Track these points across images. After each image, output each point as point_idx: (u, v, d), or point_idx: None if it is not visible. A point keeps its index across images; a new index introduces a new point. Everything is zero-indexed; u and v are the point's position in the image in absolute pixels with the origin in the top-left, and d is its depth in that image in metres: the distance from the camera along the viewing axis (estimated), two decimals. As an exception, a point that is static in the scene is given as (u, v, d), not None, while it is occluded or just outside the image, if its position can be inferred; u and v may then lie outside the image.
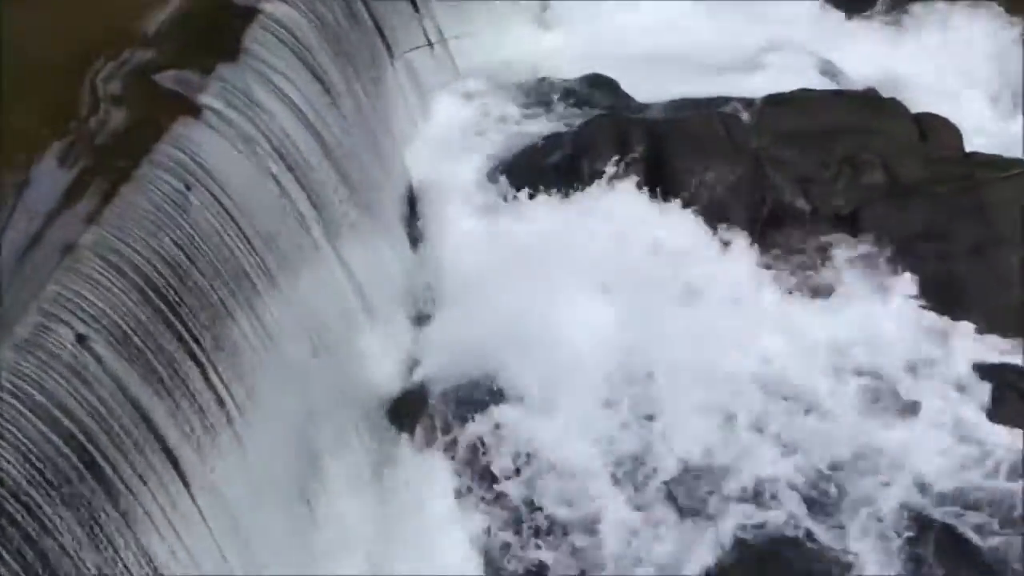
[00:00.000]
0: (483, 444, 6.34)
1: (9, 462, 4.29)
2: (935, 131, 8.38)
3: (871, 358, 6.84)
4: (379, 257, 7.11)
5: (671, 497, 6.24)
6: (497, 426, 6.37)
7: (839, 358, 6.86)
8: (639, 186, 7.67)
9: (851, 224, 7.67)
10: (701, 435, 6.42)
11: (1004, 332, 6.95)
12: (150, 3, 6.60)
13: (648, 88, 8.93)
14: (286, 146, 6.33)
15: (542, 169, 7.92)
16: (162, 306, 5.13)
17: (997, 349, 6.89)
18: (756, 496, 6.19)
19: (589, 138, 7.94)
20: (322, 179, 6.64)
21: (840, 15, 10.58)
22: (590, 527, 6.10)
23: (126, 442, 4.69)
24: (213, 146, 5.80)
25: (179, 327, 5.19)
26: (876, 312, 7.10)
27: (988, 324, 6.98)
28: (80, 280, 4.82)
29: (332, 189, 6.72)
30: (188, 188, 5.51)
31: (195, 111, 5.88)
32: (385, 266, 7.17)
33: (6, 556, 4.16)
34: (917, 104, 8.67)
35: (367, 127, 7.48)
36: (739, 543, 6.00)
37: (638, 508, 6.18)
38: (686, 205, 7.60)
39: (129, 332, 4.89)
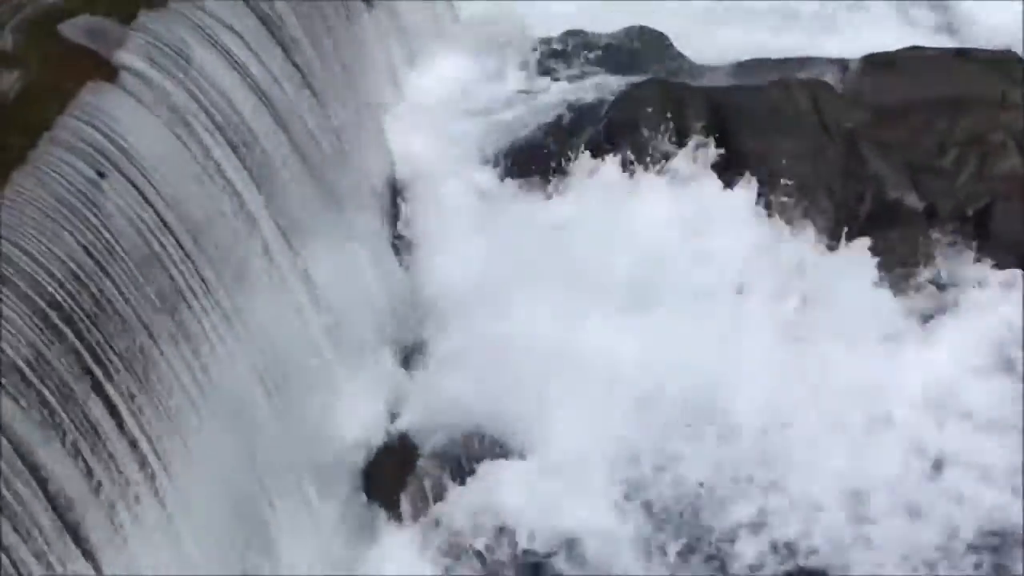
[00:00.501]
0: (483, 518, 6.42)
1: None
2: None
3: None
4: (352, 267, 7.12)
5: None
6: (501, 494, 6.44)
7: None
8: (697, 174, 7.76)
9: (979, 227, 7.71)
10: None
11: None
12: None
13: (707, 44, 8.98)
14: (229, 119, 6.34)
15: (566, 151, 7.97)
16: (66, 331, 5.14)
17: None
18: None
19: (631, 111, 7.99)
20: (277, 163, 6.65)
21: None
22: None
23: (16, 510, 4.70)
24: (134, 119, 5.81)
25: (88, 359, 5.20)
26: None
27: None
28: (-42, 296, 4.85)
29: (290, 176, 6.73)
30: (101, 175, 5.52)
31: (110, 73, 5.90)
32: (359, 279, 7.18)
33: None
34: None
35: (336, 92, 7.50)
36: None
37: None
38: (757, 201, 7.67)
39: (23, 366, 4.91)
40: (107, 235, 5.46)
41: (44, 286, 5.10)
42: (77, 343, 5.16)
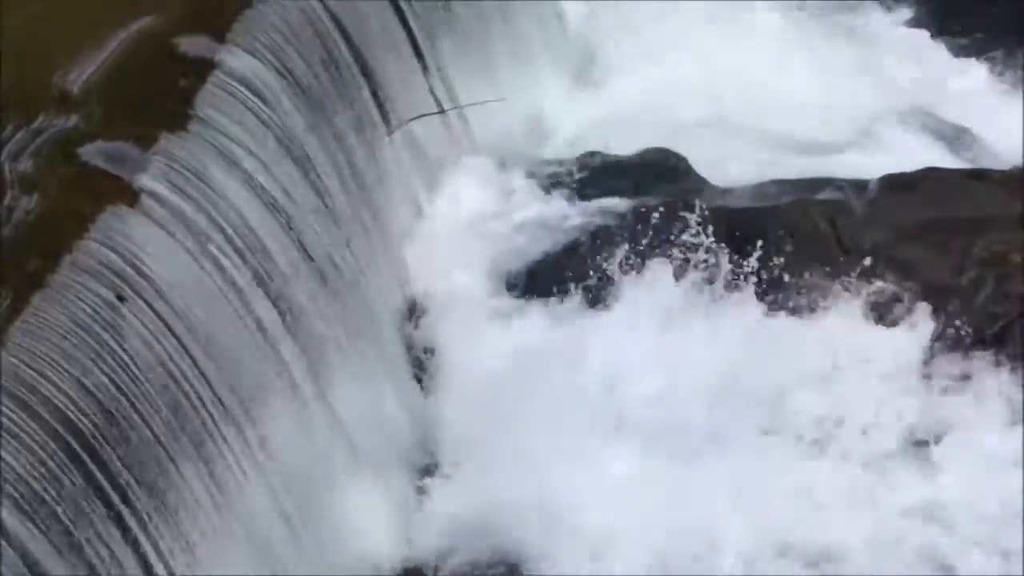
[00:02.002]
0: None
1: None
2: (1108, 223, 8.42)
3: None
4: (371, 391, 7.13)
5: None
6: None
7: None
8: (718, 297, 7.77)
9: (998, 347, 7.68)
10: None
11: None
12: (73, 52, 6.72)
13: (726, 166, 9.02)
14: (250, 243, 6.39)
15: (585, 274, 7.99)
16: (83, 455, 5.14)
17: None
18: None
19: (650, 233, 8.02)
20: (297, 286, 6.69)
21: (982, 70, 10.71)
22: None
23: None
24: (154, 243, 5.86)
25: (104, 482, 5.20)
26: None
27: None
28: (-25, 421, 4.85)
29: (310, 299, 6.77)
30: (121, 299, 5.56)
31: (131, 197, 5.96)
32: (378, 401, 7.19)
33: None
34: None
35: (356, 217, 7.55)
36: None
37: None
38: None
39: (39, 489, 4.90)
40: (125, 358, 5.48)
41: (62, 410, 5.11)
42: (94, 466, 5.16)
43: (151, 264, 5.77)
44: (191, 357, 5.82)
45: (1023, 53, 10.82)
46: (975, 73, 10.77)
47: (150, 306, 5.70)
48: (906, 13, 11.52)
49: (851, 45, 10.76)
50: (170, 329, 5.75)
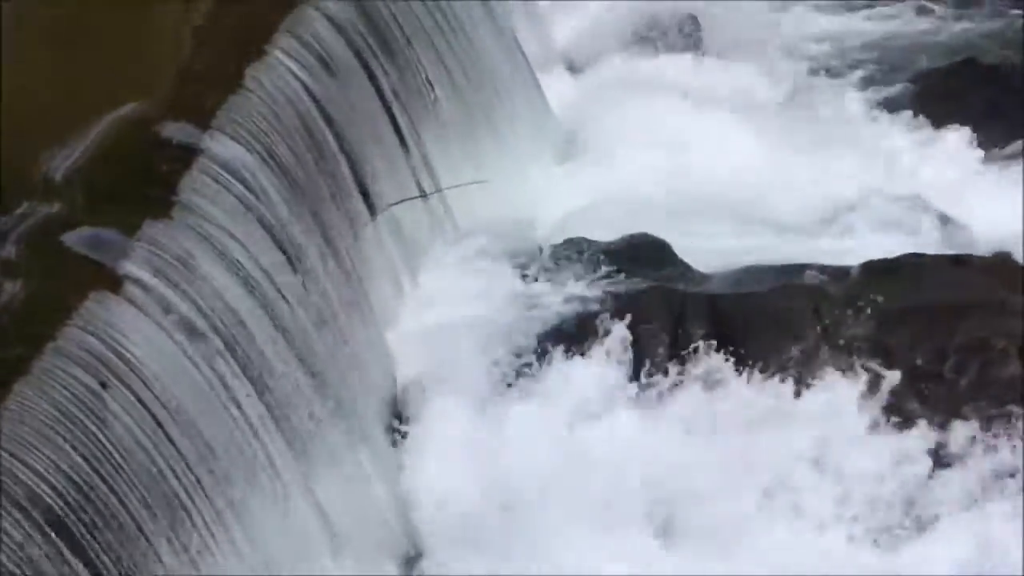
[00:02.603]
0: None
1: None
2: (1089, 310, 8.47)
3: None
4: (354, 475, 7.13)
5: None
6: None
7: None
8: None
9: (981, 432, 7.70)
10: None
11: None
12: (56, 138, 6.77)
13: (708, 251, 9.06)
14: (234, 330, 6.41)
15: (569, 358, 8.01)
16: (63, 542, 5.13)
17: None
18: None
19: (633, 319, 8.05)
20: (279, 371, 6.70)
21: (963, 154, 10.81)
22: None
23: None
24: (138, 330, 5.88)
25: (83, 570, 5.18)
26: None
27: None
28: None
29: (292, 383, 6.78)
30: (104, 386, 5.57)
31: (114, 283, 5.98)
32: (362, 487, 7.19)
33: None
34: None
35: (339, 301, 7.57)
36: None
37: None
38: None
39: (20, 577, 4.89)
40: (107, 444, 5.49)
41: (45, 500, 5.10)
42: (73, 552, 5.15)
43: (134, 350, 5.78)
44: (173, 443, 5.83)
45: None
46: (956, 156, 10.85)
47: (133, 392, 5.71)
48: (885, 95, 11.65)
49: (831, 128, 10.84)
50: (152, 415, 5.77)
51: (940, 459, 7.64)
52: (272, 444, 6.44)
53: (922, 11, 13.64)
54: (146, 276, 6.11)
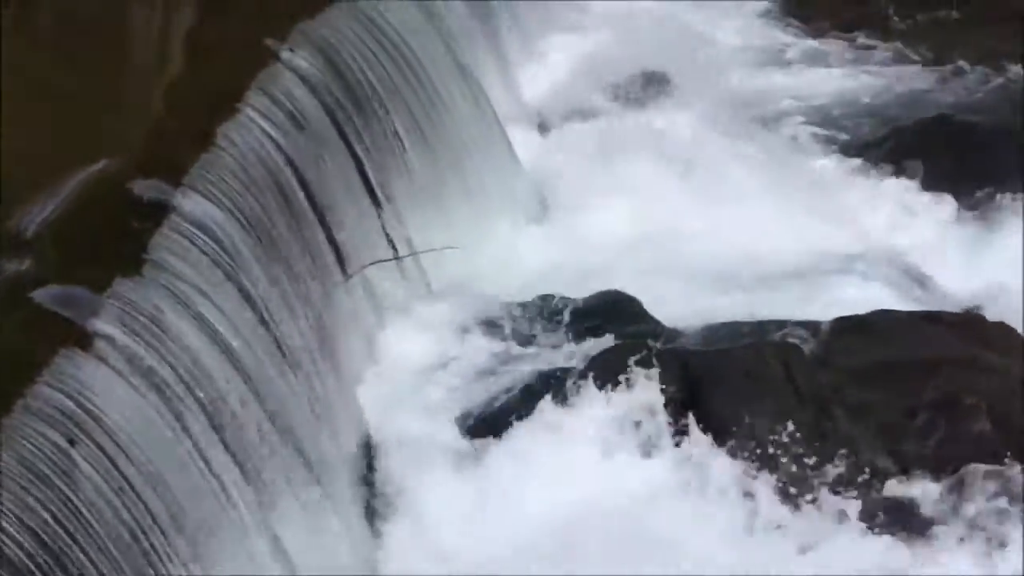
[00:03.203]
0: None
1: None
2: (1058, 366, 8.56)
3: None
4: (323, 533, 7.11)
5: None
6: None
7: None
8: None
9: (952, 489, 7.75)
10: None
11: None
12: (27, 195, 6.80)
13: (679, 308, 9.13)
14: (204, 387, 6.43)
15: (539, 417, 8.04)
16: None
17: None
18: None
19: (604, 375, 8.09)
20: (249, 429, 6.72)
21: (935, 211, 10.91)
22: None
23: None
24: (108, 387, 5.90)
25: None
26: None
27: None
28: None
29: (263, 441, 6.79)
30: (72, 443, 5.58)
31: (84, 340, 6.00)
32: (331, 547, 7.17)
33: None
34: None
35: (310, 360, 7.60)
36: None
37: None
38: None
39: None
40: (76, 501, 5.49)
41: (12, 558, 5.11)
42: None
43: (104, 408, 5.80)
44: (142, 500, 5.83)
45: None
46: (927, 213, 10.95)
47: (101, 450, 5.72)
48: (858, 152, 11.76)
49: (801, 186, 10.94)
50: (121, 473, 5.77)
51: (912, 515, 7.67)
52: (242, 502, 6.45)
53: (899, 67, 13.83)
54: (116, 333, 6.13)
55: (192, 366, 6.45)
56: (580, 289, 9.21)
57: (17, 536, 5.18)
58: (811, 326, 8.67)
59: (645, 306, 9.09)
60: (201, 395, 6.43)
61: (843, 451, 7.84)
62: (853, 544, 7.54)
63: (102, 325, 6.11)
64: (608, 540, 7.47)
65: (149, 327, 6.31)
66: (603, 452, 7.92)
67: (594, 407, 8.04)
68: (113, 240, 6.72)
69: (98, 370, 5.94)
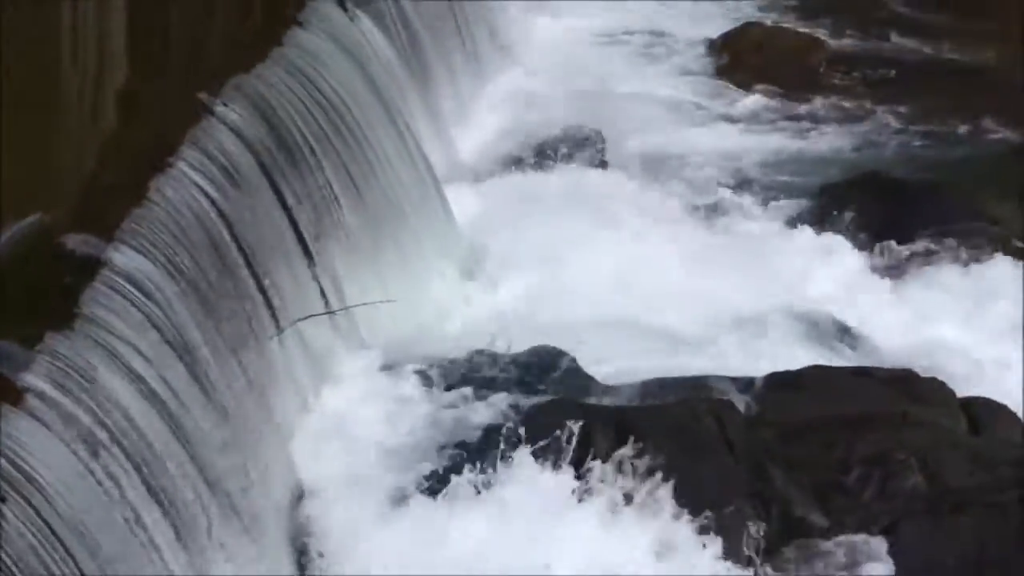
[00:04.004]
0: None
1: None
2: (989, 421, 8.68)
3: None
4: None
5: None
6: None
7: None
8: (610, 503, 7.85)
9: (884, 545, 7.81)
10: None
11: None
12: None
13: (613, 364, 9.18)
14: (136, 443, 6.40)
15: (470, 470, 8.01)
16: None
17: None
18: None
19: (538, 432, 8.11)
20: (182, 484, 6.69)
21: (864, 266, 11.02)
22: None
23: None
24: (39, 443, 5.85)
25: None
26: None
27: None
28: None
29: (196, 500, 6.76)
30: (3, 500, 5.54)
31: (15, 396, 5.96)
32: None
33: None
34: (966, 385, 8.99)
35: (244, 416, 7.58)
36: None
37: None
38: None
39: None
40: (6, 560, 5.44)
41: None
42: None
43: (35, 464, 5.75)
44: (72, 558, 5.78)
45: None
46: (858, 269, 11.07)
47: (32, 507, 5.67)
48: (787, 210, 11.89)
49: (733, 244, 11.04)
50: (52, 530, 5.72)
51: (846, 570, 7.73)
52: (174, 560, 6.41)
53: (830, 124, 14.01)
54: (48, 389, 6.09)
55: (124, 421, 6.42)
56: (514, 344, 9.25)
57: (-55, 594, 5.15)
58: (744, 382, 8.74)
59: (579, 362, 9.14)
60: (133, 451, 6.40)
61: (777, 507, 7.88)
62: None
63: (33, 380, 6.07)
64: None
65: (81, 382, 6.27)
66: (537, 507, 7.92)
67: (526, 463, 8.04)
68: (45, 294, 6.69)
69: (29, 426, 5.89)
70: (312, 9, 10.26)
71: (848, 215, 11.65)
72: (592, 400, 8.60)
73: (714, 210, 11.78)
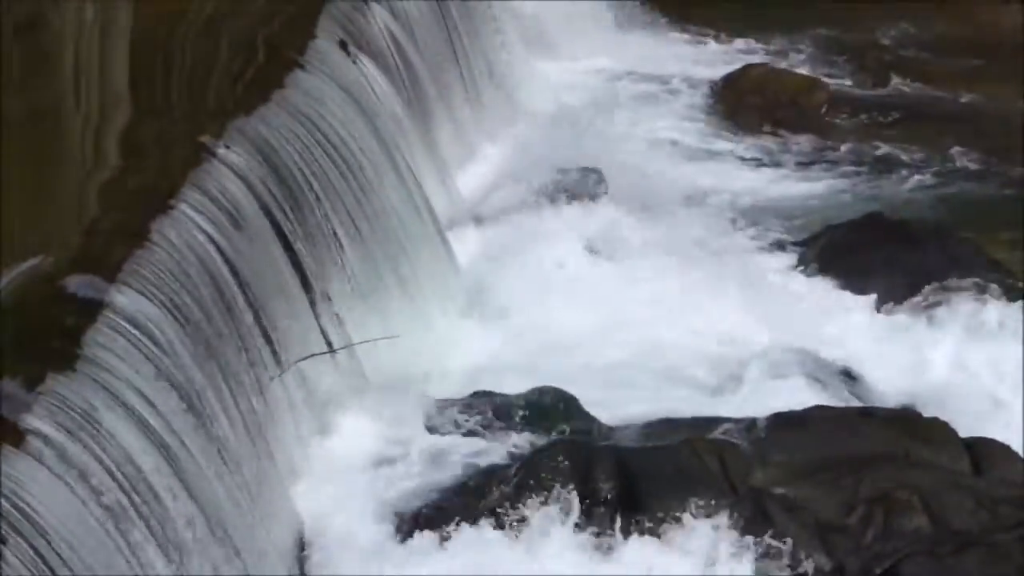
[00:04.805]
0: None
1: None
2: (992, 461, 8.66)
3: None
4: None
5: None
6: None
7: None
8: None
9: (888, 586, 7.82)
10: None
11: None
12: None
13: (616, 405, 9.18)
14: (136, 483, 6.40)
15: (474, 513, 8.06)
16: None
17: None
18: None
19: (540, 472, 8.13)
20: (182, 526, 6.68)
21: (868, 308, 11.03)
22: None
23: None
24: (40, 485, 5.87)
25: None
26: None
27: None
28: None
29: (195, 539, 6.75)
30: (4, 542, 5.54)
31: (17, 437, 5.97)
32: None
33: None
34: (968, 425, 9.00)
35: (246, 457, 7.59)
36: None
37: None
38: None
39: None
40: (6, 602, 5.46)
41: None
42: None
43: (36, 506, 5.76)
44: (73, 600, 5.80)
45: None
46: (860, 310, 11.08)
47: (33, 548, 5.68)
48: (790, 251, 11.90)
49: (738, 287, 11.05)
50: (52, 572, 5.73)
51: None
52: (174, 601, 6.44)
53: (831, 165, 14.06)
54: (49, 430, 6.10)
55: (126, 463, 6.43)
56: (516, 385, 9.26)
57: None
58: (747, 422, 8.74)
59: (581, 403, 9.15)
60: (134, 493, 6.40)
61: (780, 548, 7.88)
62: None
63: (35, 422, 6.09)
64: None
65: (83, 424, 6.29)
66: (542, 550, 7.92)
67: (531, 504, 8.05)
68: (47, 336, 6.71)
69: (30, 467, 5.90)
70: (314, 51, 10.32)
71: (851, 256, 11.65)
72: (594, 440, 8.59)
73: (716, 251, 11.78)
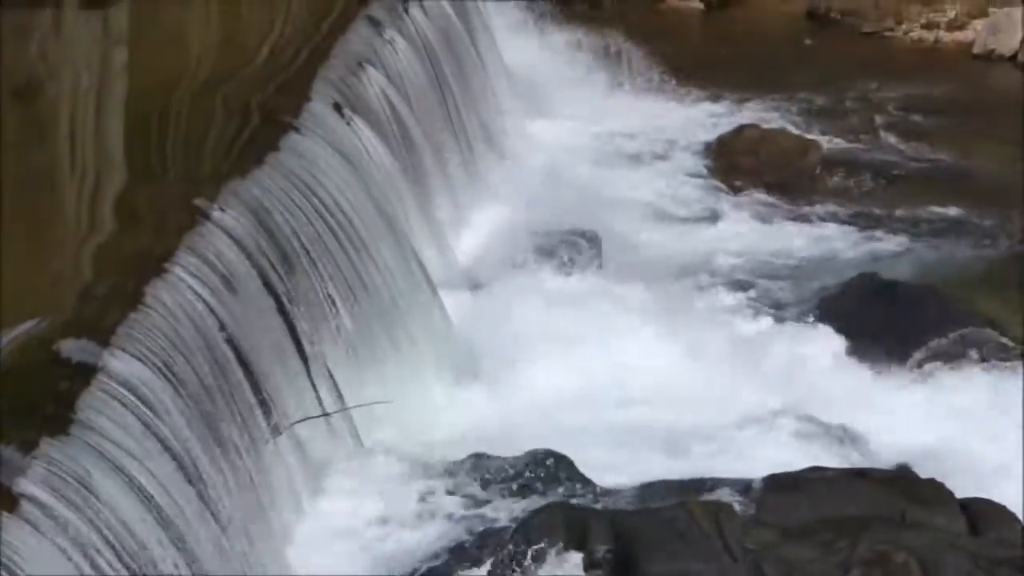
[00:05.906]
0: None
1: None
2: (989, 521, 8.65)
3: None
4: None
5: None
6: None
7: None
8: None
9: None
10: None
11: None
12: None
13: (612, 468, 9.18)
14: (130, 548, 6.40)
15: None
16: None
17: None
18: None
19: (535, 535, 8.09)
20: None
21: (862, 369, 11.06)
22: None
23: None
24: (32, 549, 5.85)
25: None
26: None
27: None
28: None
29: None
30: (-3, 607, 5.55)
31: (10, 502, 5.96)
32: None
33: None
34: (964, 486, 9.00)
35: (241, 521, 7.58)
36: None
37: None
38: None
39: None
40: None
41: None
42: None
43: (30, 571, 5.76)
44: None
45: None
46: (854, 370, 11.10)
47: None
48: (783, 312, 11.94)
49: (728, 345, 11.08)
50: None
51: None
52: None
53: (824, 225, 14.12)
54: (43, 495, 6.10)
55: (119, 527, 6.42)
56: (512, 448, 9.27)
57: None
58: (742, 484, 8.75)
59: (577, 465, 9.15)
60: (129, 559, 6.39)
61: (776, 610, 7.90)
62: None
63: (28, 486, 6.08)
64: None
65: (76, 488, 6.29)
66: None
67: (527, 567, 8.03)
68: (41, 400, 6.71)
69: (24, 532, 5.90)
70: (308, 114, 10.38)
71: (845, 317, 11.68)
72: (589, 503, 8.59)
73: (710, 311, 11.82)
